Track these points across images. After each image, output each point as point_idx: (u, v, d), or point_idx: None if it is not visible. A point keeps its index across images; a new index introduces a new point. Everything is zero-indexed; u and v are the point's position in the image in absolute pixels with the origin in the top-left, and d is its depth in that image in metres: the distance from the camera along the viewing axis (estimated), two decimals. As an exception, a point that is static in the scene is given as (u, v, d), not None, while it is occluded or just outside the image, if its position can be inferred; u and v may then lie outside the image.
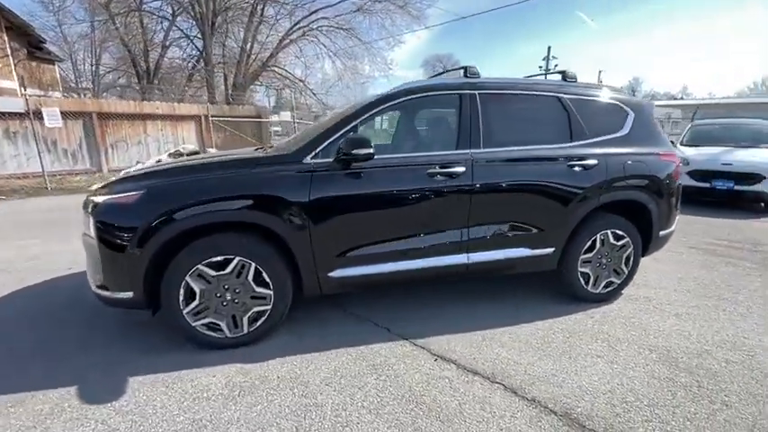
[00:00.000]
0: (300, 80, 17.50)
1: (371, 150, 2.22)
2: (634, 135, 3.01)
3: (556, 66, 23.73)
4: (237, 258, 2.24)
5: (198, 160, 2.61)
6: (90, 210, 2.24)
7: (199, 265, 2.20)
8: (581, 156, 2.78)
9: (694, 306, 3.04)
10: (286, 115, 13.47)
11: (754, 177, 6.50)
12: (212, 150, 10.18)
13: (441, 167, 2.49)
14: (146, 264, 2.14)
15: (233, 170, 2.29)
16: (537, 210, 2.74)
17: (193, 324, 2.28)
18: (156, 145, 11.15)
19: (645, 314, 2.90)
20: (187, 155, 9.49)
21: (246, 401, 1.93)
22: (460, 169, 2.51)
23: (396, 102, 2.56)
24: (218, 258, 2.22)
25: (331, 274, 2.43)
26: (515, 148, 2.69)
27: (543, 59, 24.11)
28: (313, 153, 2.36)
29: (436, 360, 2.30)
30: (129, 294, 2.20)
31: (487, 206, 2.63)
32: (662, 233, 3.11)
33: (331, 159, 2.35)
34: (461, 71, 2.88)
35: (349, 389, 2.03)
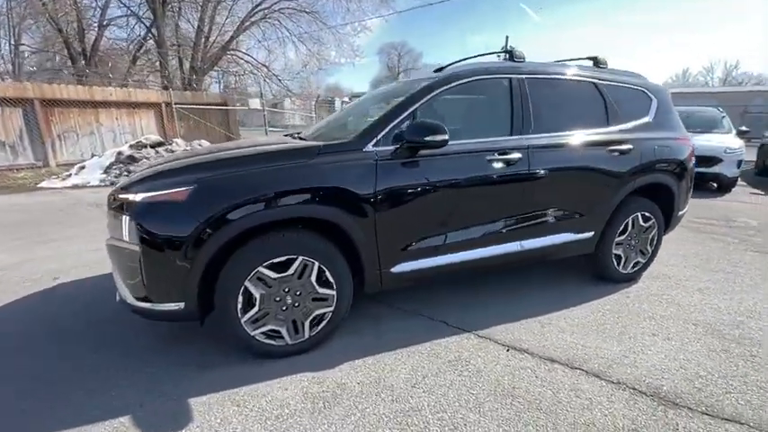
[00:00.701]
0: (263, 65, 16.50)
1: (446, 137, 2.09)
2: (658, 120, 3.14)
3: (513, 55, 24.40)
4: (300, 258, 2.04)
5: (232, 151, 2.33)
6: (123, 209, 1.92)
7: (260, 268, 1.97)
8: (619, 140, 2.85)
9: (708, 281, 3.27)
10: (255, 103, 12.63)
11: (711, 160, 7.14)
12: (180, 141, 9.33)
13: (499, 154, 2.43)
14: (202, 269, 1.88)
15: (291, 161, 2.06)
16: (582, 195, 2.78)
17: (252, 333, 2.05)
18: (111, 135, 10.00)
19: (671, 290, 3.07)
20: (151, 146, 8.68)
21: (337, 414, 1.77)
22: (517, 156, 2.46)
23: (452, 85, 2.44)
24: (281, 259, 2.01)
25: (393, 269, 2.30)
26: (562, 133, 2.69)
27: (502, 49, 24.65)
28: (374, 140, 2.19)
29: (509, 351, 2.26)
30: (180, 306, 1.93)
31: (539, 192, 2.61)
32: (680, 213, 3.29)
33: (393, 147, 2.19)
34: (504, 54, 2.82)
35: (438, 389, 1.94)
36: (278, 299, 2.06)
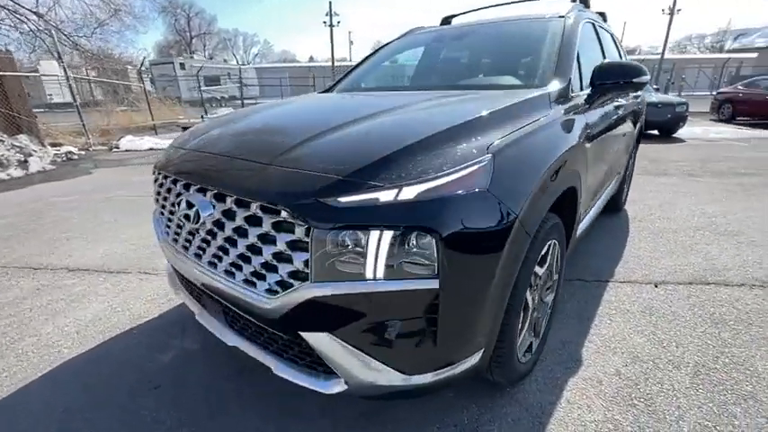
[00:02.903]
0: (36, 14, 10.84)
1: (648, 76, 1.91)
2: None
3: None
4: (551, 242, 1.56)
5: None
6: (366, 226, 1.00)
7: (536, 267, 1.41)
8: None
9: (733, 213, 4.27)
10: (51, 67, 8.19)
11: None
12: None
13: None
14: (512, 284, 1.21)
15: (542, 115, 1.48)
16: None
17: (521, 358, 1.49)
18: None
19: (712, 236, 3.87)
20: None
21: (670, 403, 1.51)
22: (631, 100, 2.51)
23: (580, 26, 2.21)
24: (544, 249, 1.48)
25: (578, 232, 2.05)
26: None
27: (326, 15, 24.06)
28: (571, 87, 1.81)
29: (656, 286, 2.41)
30: (476, 357, 1.21)
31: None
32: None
33: (587, 92, 1.88)
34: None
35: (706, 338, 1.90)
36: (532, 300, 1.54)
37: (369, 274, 1.02)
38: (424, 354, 1.12)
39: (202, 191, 1.30)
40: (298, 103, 2.08)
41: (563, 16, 2.19)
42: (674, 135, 9.31)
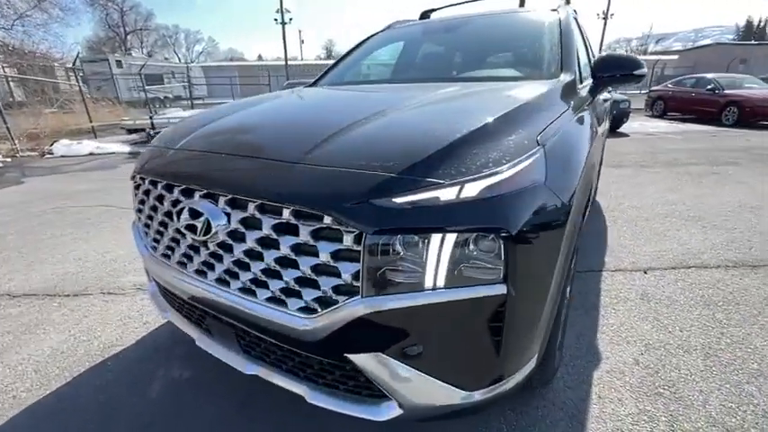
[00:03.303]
0: None
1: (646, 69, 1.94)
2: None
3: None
4: (576, 235, 1.54)
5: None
6: (432, 228, 0.88)
7: (571, 261, 1.37)
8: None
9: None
10: None
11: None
12: None
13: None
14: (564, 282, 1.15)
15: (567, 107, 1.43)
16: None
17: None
18: None
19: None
20: None
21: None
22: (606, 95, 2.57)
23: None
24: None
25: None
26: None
27: None
28: (577, 79, 1.79)
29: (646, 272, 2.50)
30: (532, 364, 1.13)
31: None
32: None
33: (587, 84, 1.88)
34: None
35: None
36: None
37: (428, 283, 0.90)
38: (485, 367, 1.02)
39: (210, 197, 1.10)
40: (295, 97, 1.90)
41: (555, 9, 2.20)
42: (618, 130, 10.02)
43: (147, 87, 10.14)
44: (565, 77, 1.70)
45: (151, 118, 8.32)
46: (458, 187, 0.91)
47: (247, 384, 1.61)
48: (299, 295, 1.00)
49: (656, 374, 1.65)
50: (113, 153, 8.32)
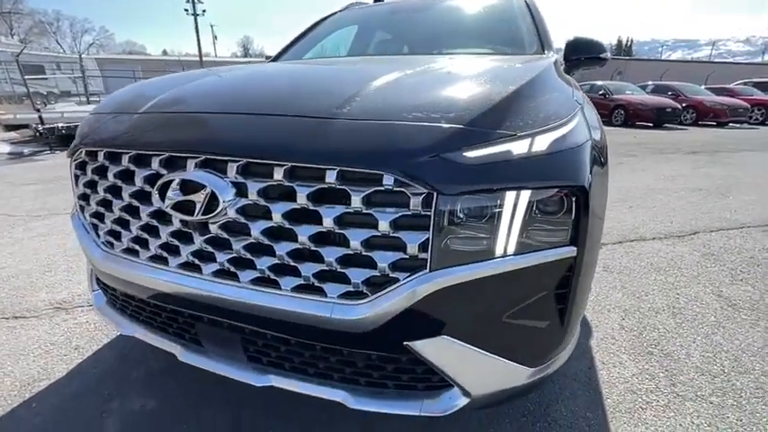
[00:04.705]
0: None
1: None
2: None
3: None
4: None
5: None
6: (502, 187, 0.78)
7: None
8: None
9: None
10: None
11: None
12: None
13: None
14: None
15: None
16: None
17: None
18: None
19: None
20: None
21: (677, 344, 1.66)
22: None
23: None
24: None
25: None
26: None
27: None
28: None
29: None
30: (577, 338, 1.10)
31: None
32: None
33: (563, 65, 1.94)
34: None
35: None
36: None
37: (499, 250, 0.80)
38: (550, 340, 0.95)
39: (211, 165, 0.86)
40: (275, 66, 1.66)
41: None
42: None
43: (26, 78, 8.43)
44: (550, 55, 1.73)
45: (39, 111, 6.92)
46: (529, 140, 0.82)
47: (234, 403, 1.34)
48: (342, 279, 0.83)
49: (640, 336, 1.75)
50: (-16, 154, 6.77)
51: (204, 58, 26.95)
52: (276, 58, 2.29)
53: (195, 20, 20.44)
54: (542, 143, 0.83)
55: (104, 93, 22.22)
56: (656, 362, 1.58)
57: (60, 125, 7.02)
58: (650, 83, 15.34)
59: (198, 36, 20.30)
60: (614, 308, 1.98)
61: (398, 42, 2.22)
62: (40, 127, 6.86)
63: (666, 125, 12.26)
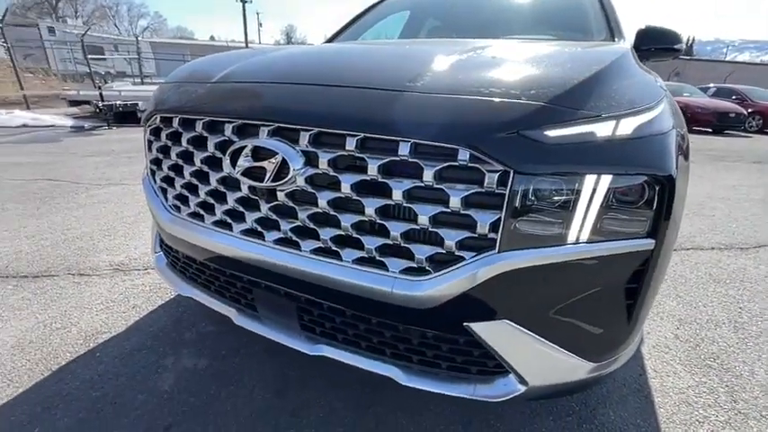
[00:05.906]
0: None
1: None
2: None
3: None
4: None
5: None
6: (585, 169, 0.74)
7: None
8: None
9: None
10: None
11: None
12: None
13: None
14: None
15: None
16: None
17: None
18: None
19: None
20: None
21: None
22: None
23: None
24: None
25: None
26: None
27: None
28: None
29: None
30: (639, 340, 1.03)
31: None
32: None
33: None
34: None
35: (707, 298, 2.01)
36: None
37: (572, 236, 0.76)
38: (613, 336, 0.90)
39: (282, 133, 0.88)
40: (337, 45, 1.67)
41: None
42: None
43: (88, 58, 9.02)
44: (624, 43, 1.63)
45: (100, 88, 7.40)
46: (614, 122, 0.77)
47: (279, 369, 1.39)
48: (405, 254, 0.82)
49: (697, 347, 1.65)
50: (52, 126, 7.33)
51: (249, 45, 27.68)
52: (331, 41, 2.30)
53: (243, 7, 21.04)
54: (628, 126, 0.78)
55: (156, 74, 23.39)
56: (716, 376, 1.48)
57: (118, 102, 7.46)
58: (712, 85, 14.24)
59: (245, 22, 20.89)
60: (668, 316, 1.86)
61: (455, 27, 2.16)
62: (100, 103, 7.33)
63: (728, 131, 11.37)
